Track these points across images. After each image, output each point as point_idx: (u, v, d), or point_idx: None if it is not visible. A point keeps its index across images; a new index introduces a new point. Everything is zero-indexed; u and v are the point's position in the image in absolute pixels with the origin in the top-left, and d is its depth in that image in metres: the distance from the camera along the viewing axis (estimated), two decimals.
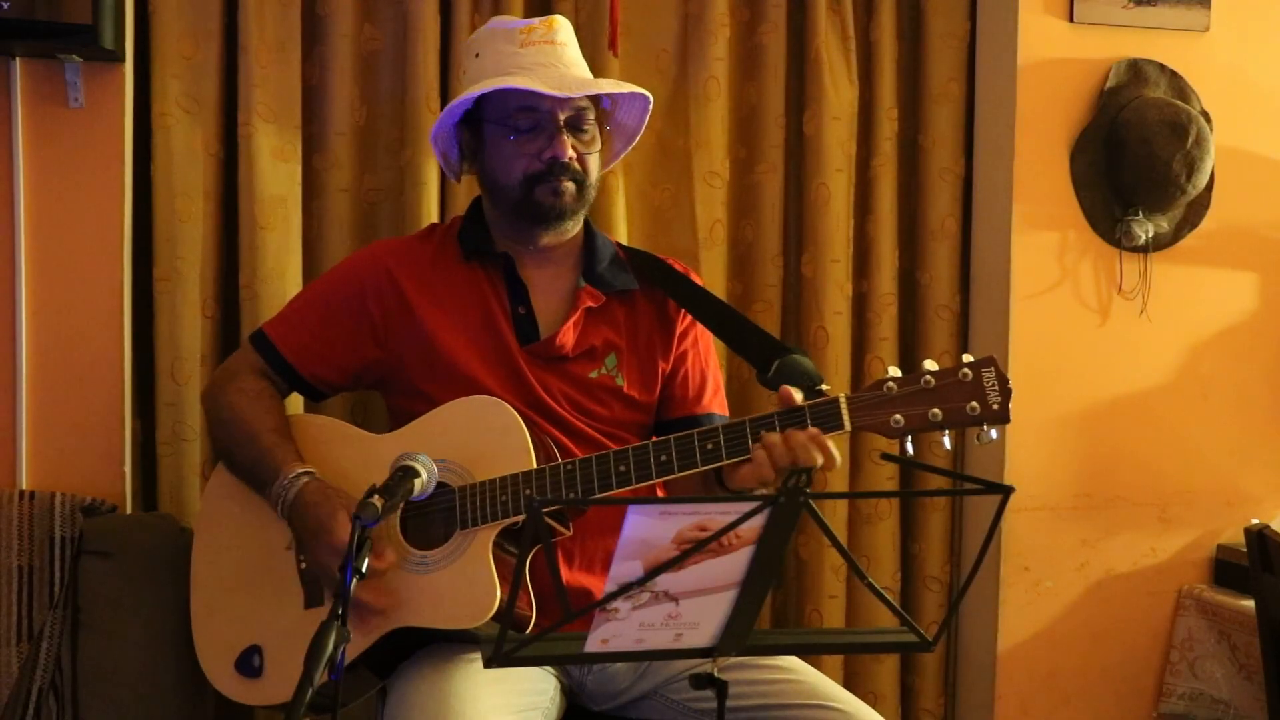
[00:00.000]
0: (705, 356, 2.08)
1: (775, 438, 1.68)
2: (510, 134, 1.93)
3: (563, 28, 1.99)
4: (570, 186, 1.93)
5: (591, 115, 1.96)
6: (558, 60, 1.95)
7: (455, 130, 2.02)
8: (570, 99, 1.91)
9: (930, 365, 1.67)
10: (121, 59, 2.32)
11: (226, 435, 2.00)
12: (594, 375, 1.97)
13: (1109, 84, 2.70)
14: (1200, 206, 2.77)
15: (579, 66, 1.99)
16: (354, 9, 2.51)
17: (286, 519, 1.88)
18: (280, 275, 2.45)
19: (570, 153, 1.92)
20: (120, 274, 2.37)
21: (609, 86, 1.98)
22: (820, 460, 1.67)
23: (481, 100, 1.95)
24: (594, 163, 1.97)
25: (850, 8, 2.71)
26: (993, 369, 1.66)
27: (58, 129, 2.32)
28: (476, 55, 1.99)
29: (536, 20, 1.98)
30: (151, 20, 2.40)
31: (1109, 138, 2.69)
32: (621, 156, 2.14)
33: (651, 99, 2.03)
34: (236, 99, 2.45)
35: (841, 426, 1.69)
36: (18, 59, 2.29)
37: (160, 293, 2.42)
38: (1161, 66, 2.73)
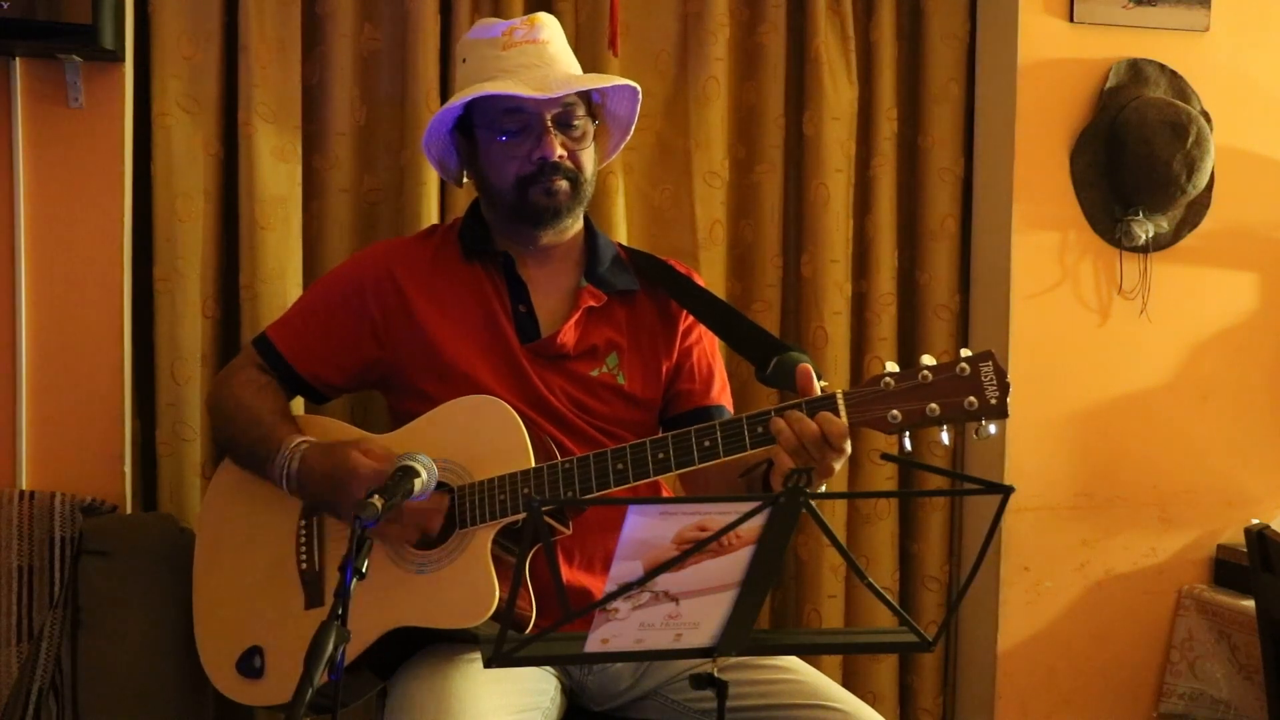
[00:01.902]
0: (711, 352, 2.08)
1: (781, 424, 1.66)
2: (499, 137, 1.92)
3: (546, 25, 1.97)
4: (564, 185, 1.92)
5: (581, 110, 1.95)
6: (540, 59, 1.92)
7: (451, 137, 2.01)
8: (556, 97, 1.90)
9: (928, 360, 1.65)
10: (121, 59, 2.32)
11: (230, 425, 1.99)
12: (595, 374, 1.97)
13: (1109, 84, 2.70)
14: (1200, 206, 2.77)
15: (563, 63, 1.97)
16: (354, 9, 2.52)
17: (297, 490, 1.87)
18: (280, 275, 2.45)
19: (560, 151, 1.90)
20: (120, 274, 2.37)
21: (591, 82, 1.95)
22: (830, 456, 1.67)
23: (471, 106, 1.94)
24: (588, 158, 1.96)
25: (850, 8, 2.71)
26: (990, 363, 1.62)
27: (58, 129, 2.32)
28: (464, 61, 1.98)
29: (519, 20, 1.96)
30: (151, 20, 2.40)
31: (1109, 138, 2.69)
32: (620, 148, 2.12)
33: (639, 88, 2.01)
34: (236, 99, 2.45)
35: None
36: (18, 59, 2.29)
37: (160, 293, 2.42)
38: (1161, 66, 2.73)
